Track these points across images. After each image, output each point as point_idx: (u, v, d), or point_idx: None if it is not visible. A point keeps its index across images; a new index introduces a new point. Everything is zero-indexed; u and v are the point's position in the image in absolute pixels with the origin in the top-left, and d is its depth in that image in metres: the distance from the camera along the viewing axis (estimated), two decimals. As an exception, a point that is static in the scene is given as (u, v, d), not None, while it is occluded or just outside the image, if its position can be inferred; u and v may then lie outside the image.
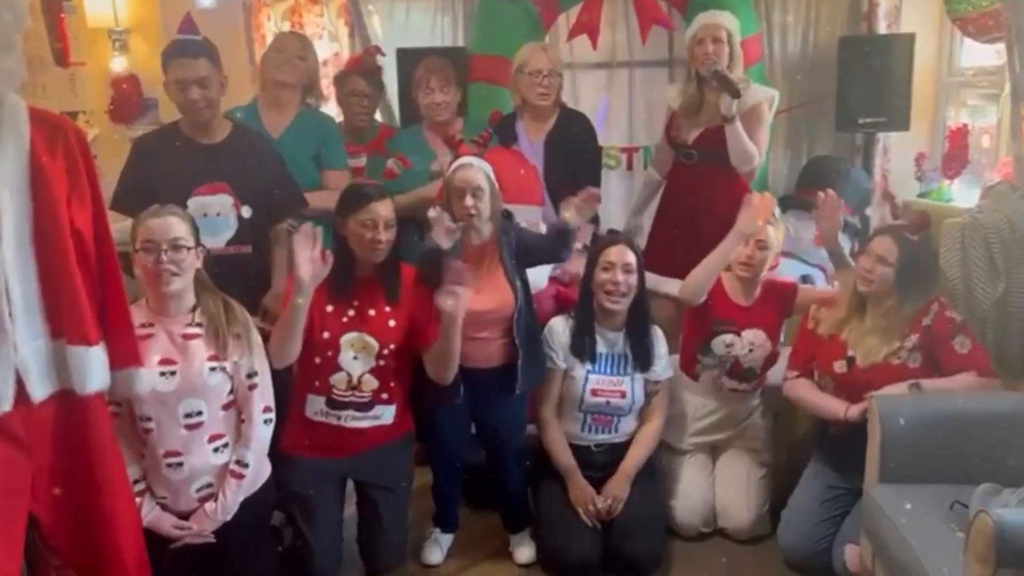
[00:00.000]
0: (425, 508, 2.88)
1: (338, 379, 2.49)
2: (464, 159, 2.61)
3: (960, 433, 2.24)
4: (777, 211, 2.89)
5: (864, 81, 3.72)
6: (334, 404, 2.52)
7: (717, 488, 2.88)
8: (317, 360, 2.49)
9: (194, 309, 2.28)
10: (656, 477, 2.85)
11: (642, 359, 2.71)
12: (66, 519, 1.97)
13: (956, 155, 3.48)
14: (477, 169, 2.57)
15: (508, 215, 2.68)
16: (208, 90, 2.64)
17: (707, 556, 2.76)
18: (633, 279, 2.64)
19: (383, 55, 3.52)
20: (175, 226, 2.22)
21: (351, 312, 2.51)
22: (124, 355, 2.03)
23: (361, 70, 3.39)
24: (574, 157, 3.18)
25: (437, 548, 2.77)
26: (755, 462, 2.89)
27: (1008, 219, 2.62)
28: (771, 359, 2.86)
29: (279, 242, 2.80)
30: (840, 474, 2.60)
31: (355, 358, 2.50)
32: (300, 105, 3.13)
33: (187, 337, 2.25)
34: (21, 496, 1.88)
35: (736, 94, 2.94)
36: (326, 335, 2.48)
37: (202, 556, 2.30)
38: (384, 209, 2.47)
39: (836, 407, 2.52)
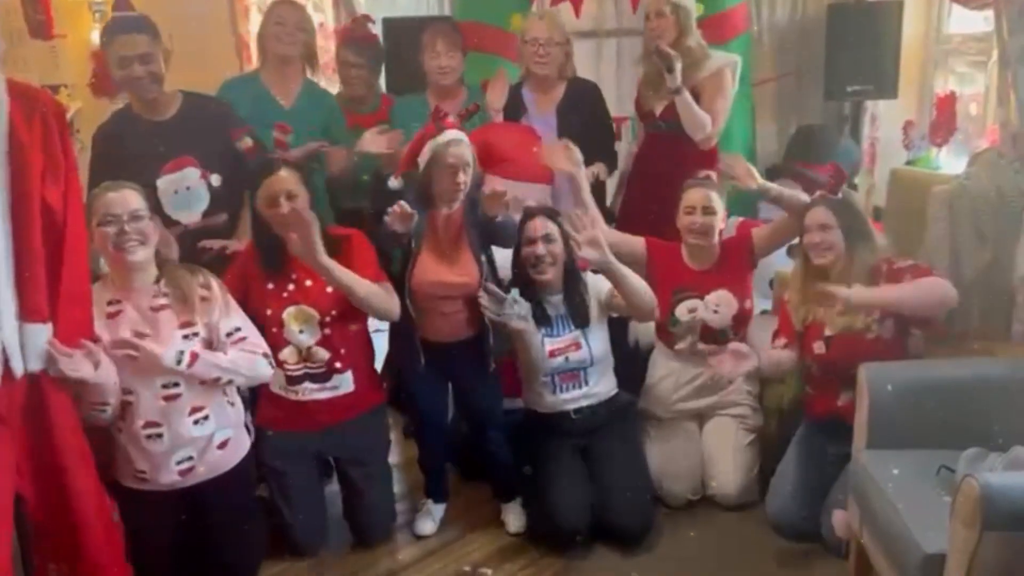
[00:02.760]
0: (417, 479, 2.90)
1: (288, 353, 2.52)
2: (453, 134, 2.57)
3: (947, 399, 2.25)
4: (713, 175, 2.90)
5: (852, 49, 3.70)
6: (290, 379, 2.54)
7: (705, 455, 2.89)
8: (268, 339, 2.50)
9: (158, 281, 2.28)
10: (642, 446, 2.87)
11: (580, 317, 2.72)
12: (39, 496, 1.98)
13: (944, 123, 3.47)
14: (467, 145, 2.57)
15: (476, 186, 2.67)
16: (150, 65, 2.61)
17: (695, 524, 2.78)
18: (556, 247, 2.66)
19: (372, 22, 3.49)
20: (132, 199, 2.24)
21: (290, 286, 2.53)
22: (76, 335, 2.01)
23: (350, 40, 3.36)
24: (587, 126, 3.16)
25: (429, 519, 2.78)
26: (742, 428, 2.90)
27: (996, 186, 2.63)
28: (742, 317, 2.87)
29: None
30: (828, 441, 2.62)
31: (301, 332, 2.51)
32: (303, 74, 3.12)
33: (155, 309, 2.25)
34: (7, 473, 1.87)
35: (669, 68, 2.95)
36: (269, 312, 2.50)
37: (192, 529, 2.32)
38: (282, 182, 2.46)
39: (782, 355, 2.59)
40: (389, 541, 2.71)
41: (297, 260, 2.48)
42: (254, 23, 3.67)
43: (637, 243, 2.96)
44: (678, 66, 2.95)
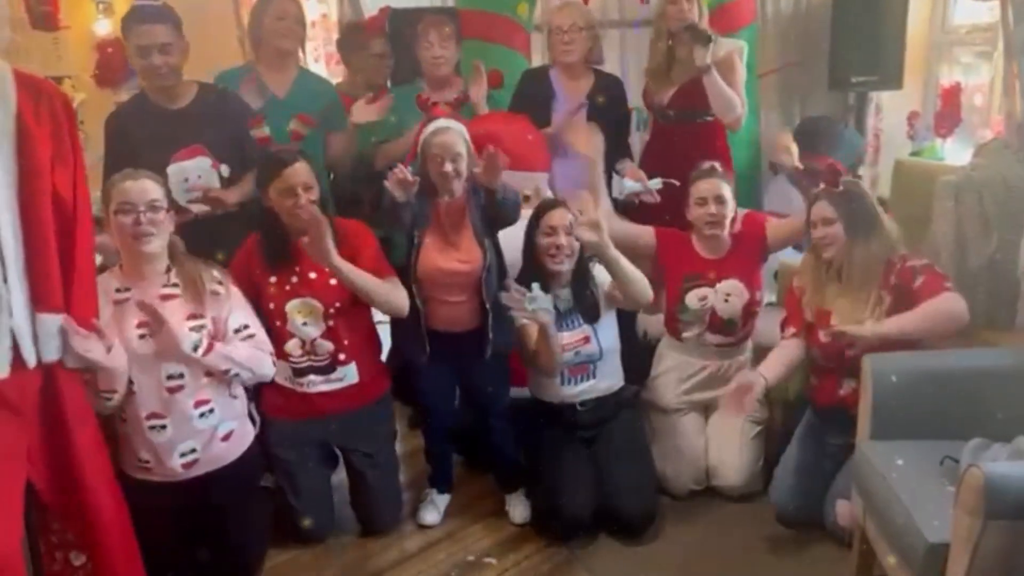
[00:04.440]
0: (421, 470, 2.91)
1: (292, 346, 2.53)
2: (441, 122, 2.57)
3: (950, 389, 2.25)
4: (717, 165, 2.90)
5: (857, 40, 3.70)
6: (295, 371, 2.55)
7: (710, 446, 2.89)
8: (272, 332, 2.51)
9: (168, 271, 2.29)
10: (647, 436, 2.88)
11: (589, 312, 2.72)
12: (56, 485, 1.99)
13: (949, 113, 3.46)
14: (455, 133, 2.55)
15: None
16: (170, 56, 2.62)
17: (699, 514, 2.79)
18: (575, 241, 2.64)
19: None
20: (151, 188, 2.25)
21: (293, 279, 2.53)
22: (83, 324, 2.02)
23: (379, 31, 3.37)
24: (611, 119, 3.19)
25: (433, 509, 2.79)
26: (749, 421, 2.89)
27: (1002, 176, 2.62)
28: (751, 308, 2.88)
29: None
30: (832, 431, 2.63)
31: (305, 324, 2.52)
32: (297, 65, 3.12)
33: (164, 298, 2.26)
34: (18, 461, 1.89)
35: (707, 40, 2.95)
36: (272, 306, 2.51)
37: (197, 519, 2.33)
38: (299, 174, 2.46)
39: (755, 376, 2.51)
40: (394, 530, 2.72)
41: (301, 253, 2.49)
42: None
43: (646, 232, 2.96)
44: (712, 43, 2.94)
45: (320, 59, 4.04)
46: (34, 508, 2.02)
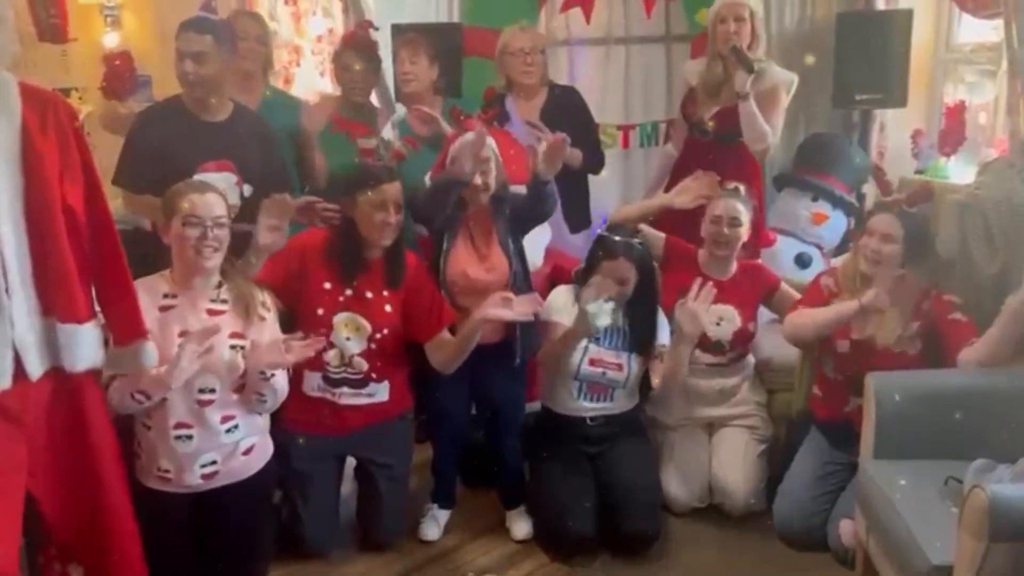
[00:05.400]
0: (422, 485, 2.90)
1: (332, 355, 2.52)
2: (471, 135, 2.58)
3: (955, 409, 2.25)
4: (741, 187, 2.90)
5: (861, 57, 3.69)
6: (330, 381, 2.55)
7: (714, 464, 2.88)
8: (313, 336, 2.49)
9: (219, 287, 2.29)
10: (653, 454, 2.87)
11: (639, 340, 2.72)
12: (62, 497, 1.98)
13: (953, 132, 3.46)
14: (486, 146, 2.58)
15: (503, 184, 2.70)
16: (202, 67, 2.64)
17: (702, 532, 2.78)
18: (629, 288, 2.65)
19: (376, 29, 3.50)
20: (216, 204, 2.25)
21: (348, 292, 2.54)
22: (128, 330, 2.04)
23: (354, 46, 3.36)
24: (571, 130, 3.17)
25: (434, 524, 2.78)
26: (753, 439, 2.90)
27: (1006, 195, 2.62)
28: (742, 335, 2.87)
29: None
30: (836, 450, 2.62)
31: (348, 339, 2.53)
32: (262, 83, 3.12)
33: (212, 313, 2.25)
34: (18, 474, 1.88)
35: (750, 69, 2.97)
36: (320, 312, 2.50)
37: (204, 530, 2.32)
38: (395, 191, 2.49)
39: (848, 305, 2.48)
40: (395, 545, 2.71)
41: (363, 267, 2.52)
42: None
43: (658, 238, 2.96)
44: (754, 73, 2.97)
45: (326, 73, 4.04)
46: (33, 519, 2.01)
